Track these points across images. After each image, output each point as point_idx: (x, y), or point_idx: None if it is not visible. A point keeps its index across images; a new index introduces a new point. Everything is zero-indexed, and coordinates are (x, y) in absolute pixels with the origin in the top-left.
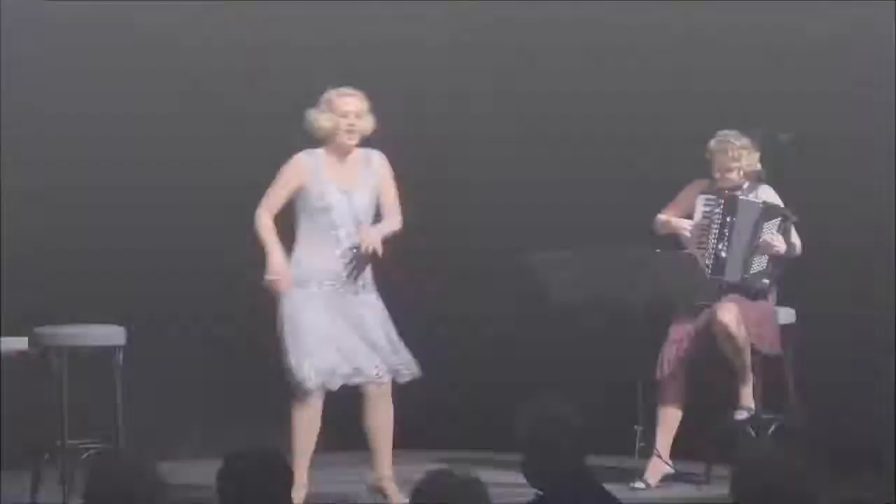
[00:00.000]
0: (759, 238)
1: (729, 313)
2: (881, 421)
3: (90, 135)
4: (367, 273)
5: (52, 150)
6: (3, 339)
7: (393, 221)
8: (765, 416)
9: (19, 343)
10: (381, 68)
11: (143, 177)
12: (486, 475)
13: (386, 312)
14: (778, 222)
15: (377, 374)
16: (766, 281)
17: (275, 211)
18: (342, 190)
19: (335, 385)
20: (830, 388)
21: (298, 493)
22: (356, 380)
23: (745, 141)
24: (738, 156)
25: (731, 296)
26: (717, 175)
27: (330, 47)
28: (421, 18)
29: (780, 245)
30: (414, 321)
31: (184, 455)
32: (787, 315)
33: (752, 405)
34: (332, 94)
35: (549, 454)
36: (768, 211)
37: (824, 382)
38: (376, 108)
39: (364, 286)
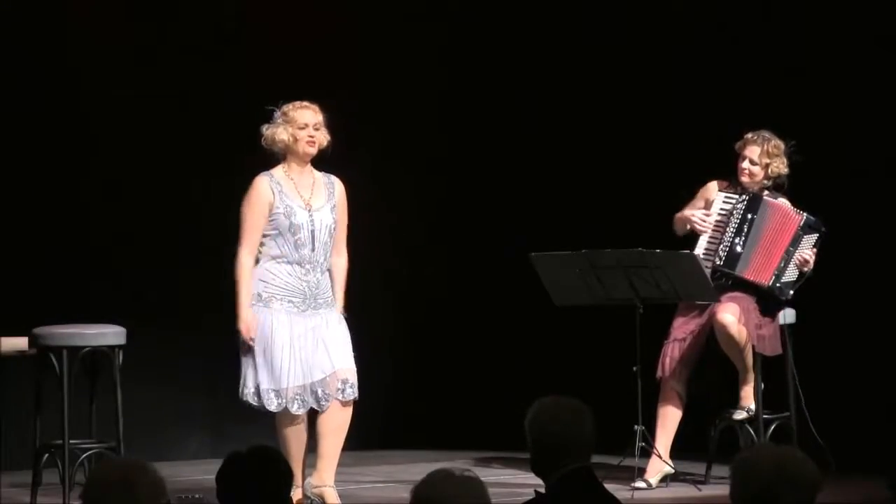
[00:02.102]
0: (798, 249)
1: (729, 313)
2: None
3: (93, 134)
4: (328, 290)
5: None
6: (3, 339)
7: (341, 265)
8: (765, 416)
9: (19, 343)
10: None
11: (142, 173)
12: (486, 475)
13: (346, 330)
14: (816, 237)
15: (339, 390)
16: (792, 292)
17: (256, 248)
18: (305, 209)
19: (299, 412)
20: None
21: (294, 493)
22: (322, 404)
23: (780, 143)
24: (770, 156)
25: (732, 295)
26: (741, 170)
27: None
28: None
29: (812, 263)
30: (413, 320)
31: (184, 455)
32: (787, 315)
33: (752, 405)
34: (288, 107)
35: (559, 454)
36: (809, 224)
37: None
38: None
39: (326, 303)
